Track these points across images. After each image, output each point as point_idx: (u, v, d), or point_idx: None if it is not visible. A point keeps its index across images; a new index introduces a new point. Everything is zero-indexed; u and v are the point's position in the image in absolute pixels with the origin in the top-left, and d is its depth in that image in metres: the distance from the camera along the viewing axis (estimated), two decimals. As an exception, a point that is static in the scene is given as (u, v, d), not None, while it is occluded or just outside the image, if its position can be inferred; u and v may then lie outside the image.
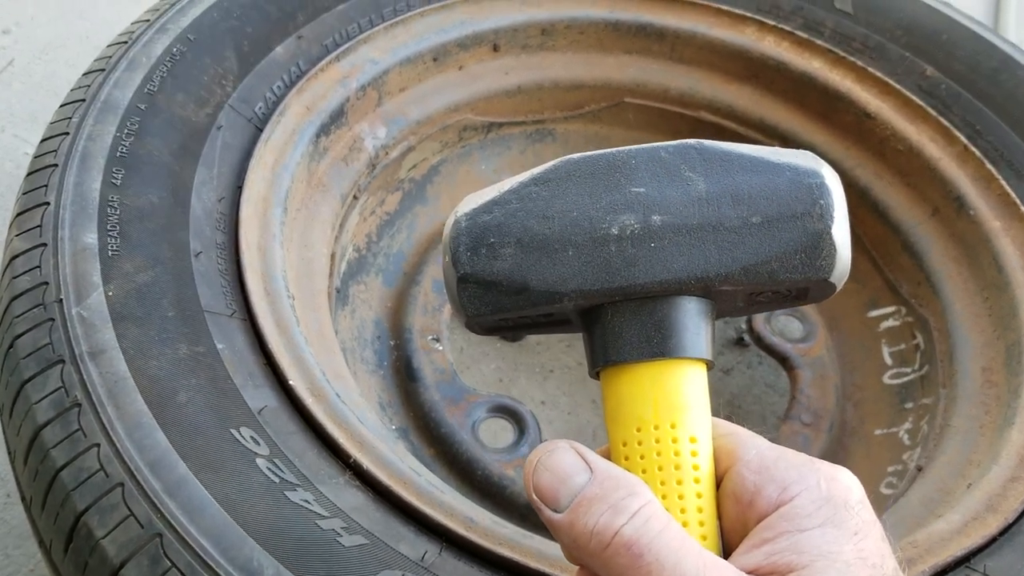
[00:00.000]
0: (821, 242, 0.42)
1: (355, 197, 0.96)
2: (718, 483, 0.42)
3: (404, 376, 0.92)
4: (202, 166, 0.80)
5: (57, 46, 1.40)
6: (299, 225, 0.87)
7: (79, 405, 0.60)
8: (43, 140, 0.77)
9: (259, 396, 0.67)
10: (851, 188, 1.06)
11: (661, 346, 0.43)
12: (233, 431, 0.62)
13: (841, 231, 0.42)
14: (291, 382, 0.68)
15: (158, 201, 0.75)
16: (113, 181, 0.73)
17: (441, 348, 0.94)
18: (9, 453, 0.66)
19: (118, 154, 0.75)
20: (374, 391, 0.92)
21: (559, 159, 0.46)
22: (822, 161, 0.44)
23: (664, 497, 0.41)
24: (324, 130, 0.92)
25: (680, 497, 0.42)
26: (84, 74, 0.83)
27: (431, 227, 1.07)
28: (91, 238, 0.69)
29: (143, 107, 0.79)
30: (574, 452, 0.40)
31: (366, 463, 0.65)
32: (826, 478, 0.39)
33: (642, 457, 0.43)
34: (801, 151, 0.45)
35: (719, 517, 0.42)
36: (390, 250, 1.03)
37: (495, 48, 1.09)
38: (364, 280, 0.99)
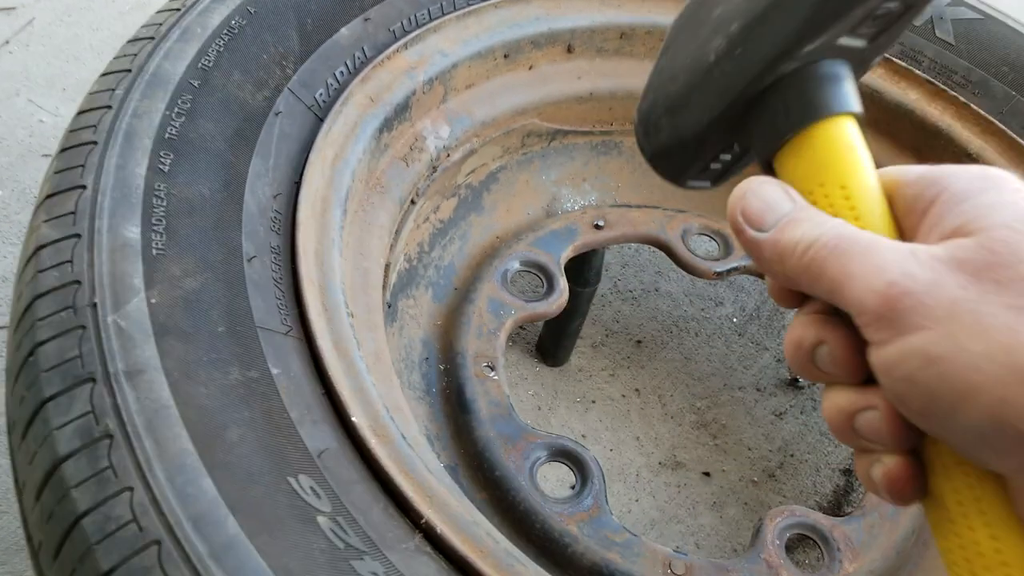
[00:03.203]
0: None
1: (412, 202, 0.87)
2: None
3: (455, 406, 0.83)
4: (258, 156, 0.70)
5: (82, 8, 1.29)
6: (356, 230, 0.77)
7: (110, 436, 0.51)
8: (80, 112, 0.67)
9: (318, 435, 0.57)
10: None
11: (797, 118, 0.47)
12: (291, 479, 0.53)
13: None
14: (353, 419, 0.59)
15: (209, 194, 0.65)
16: (160, 167, 0.63)
17: (496, 377, 0.84)
18: (16, 482, 0.56)
19: (167, 136, 0.65)
20: (421, 421, 0.82)
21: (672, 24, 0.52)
22: None
23: None
24: (387, 125, 0.82)
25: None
26: (129, 41, 0.73)
27: (485, 239, 0.98)
28: (133, 232, 0.59)
29: (196, 84, 0.69)
30: (781, 187, 0.46)
31: (439, 525, 0.55)
32: (975, 167, 0.43)
33: None
34: None
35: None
36: (441, 262, 0.94)
37: (569, 49, 0.99)
38: (413, 294, 0.90)
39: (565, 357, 1.17)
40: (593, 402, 1.15)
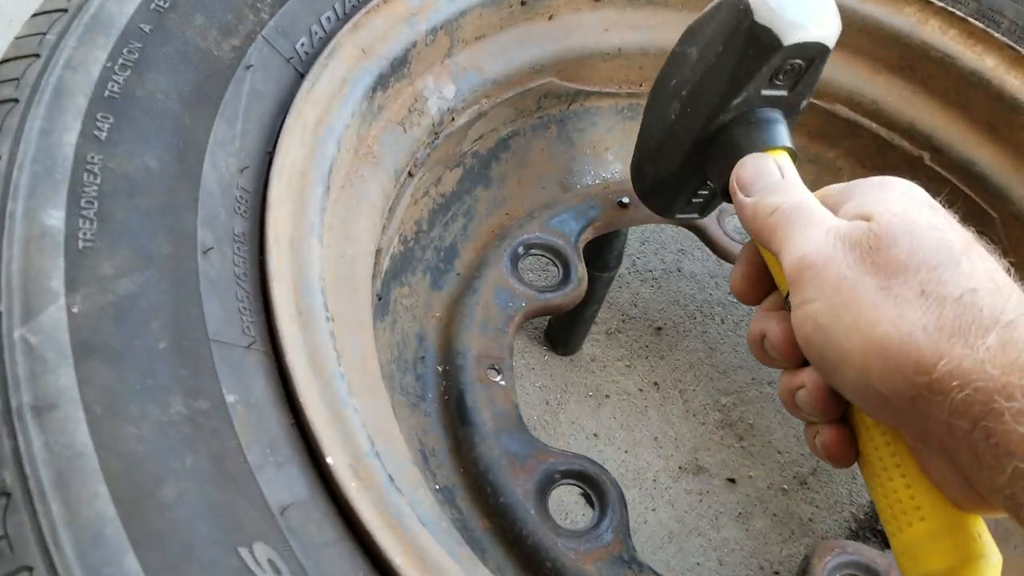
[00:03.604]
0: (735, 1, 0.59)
1: (410, 174, 0.74)
2: None
3: (454, 416, 0.71)
4: (222, 119, 0.57)
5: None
6: (341, 210, 0.65)
7: (6, 495, 0.39)
8: (1, 62, 0.54)
9: (283, 483, 0.46)
10: (1022, 223, 0.86)
11: (739, 155, 0.60)
12: (243, 551, 0.41)
13: None
14: (329, 459, 0.47)
15: (158, 167, 0.52)
16: (96, 133, 0.51)
17: (504, 383, 0.73)
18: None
19: (107, 93, 0.52)
20: (414, 434, 0.70)
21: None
22: None
23: None
24: (382, 82, 0.69)
25: None
26: (66, -29, 0.59)
27: (493, 216, 0.85)
28: (55, 217, 0.47)
29: (148, 29, 0.56)
30: (775, 162, 0.58)
31: (434, 601, 0.44)
32: (879, 177, 0.53)
33: None
34: None
35: None
36: (442, 243, 0.81)
37: (597, -4, 0.86)
38: (409, 280, 0.77)
39: (577, 345, 1.06)
40: (607, 396, 1.04)
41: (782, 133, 0.62)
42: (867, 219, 0.48)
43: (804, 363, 0.51)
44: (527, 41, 0.82)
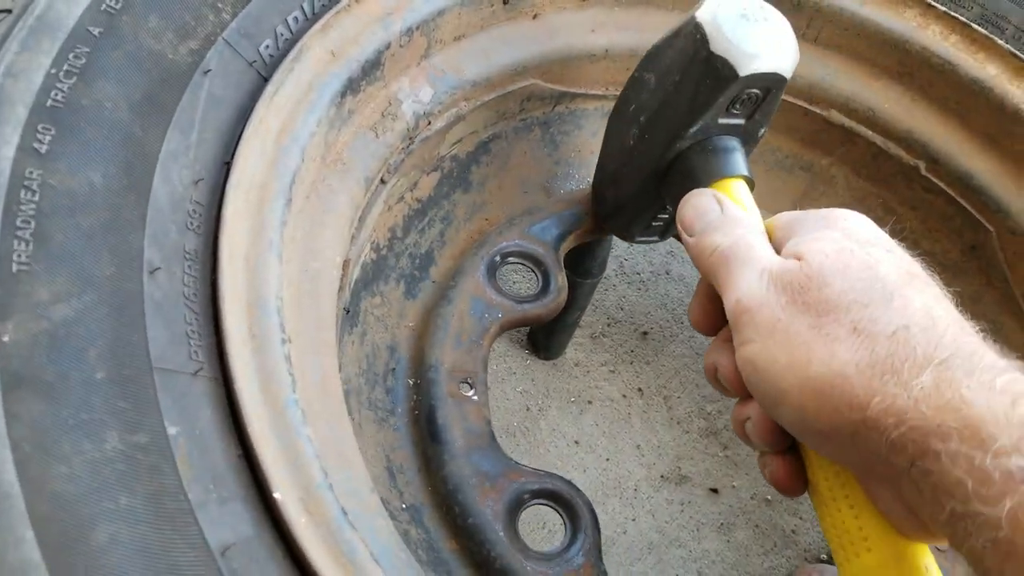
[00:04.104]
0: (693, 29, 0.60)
1: (382, 181, 0.71)
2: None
3: (424, 432, 0.69)
4: (175, 129, 0.54)
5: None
6: (304, 222, 0.62)
7: (-75, 542, 0.37)
8: (-63, 66, 0.51)
9: (226, 521, 0.43)
10: (1018, 238, 0.83)
11: (695, 182, 0.61)
12: (177, 600, 0.39)
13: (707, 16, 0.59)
14: (276, 495, 0.45)
15: (102, 182, 0.50)
16: (36, 146, 0.48)
17: (476, 398, 0.70)
18: None
19: (49, 103, 0.50)
20: (381, 450, 0.68)
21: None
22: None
23: None
24: (352, 86, 0.66)
25: None
26: (16, -31, 0.57)
27: (472, 222, 0.83)
28: (-12, 238, 0.44)
29: (97, 32, 0.54)
30: (713, 196, 0.58)
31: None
32: (824, 210, 0.53)
33: None
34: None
35: None
36: (417, 249, 0.79)
37: (583, -5, 0.83)
38: (381, 290, 0.75)
39: (560, 350, 1.03)
40: (589, 403, 1.02)
41: (738, 161, 0.62)
42: (799, 259, 0.48)
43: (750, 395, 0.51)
44: (509, 42, 0.79)
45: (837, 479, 0.48)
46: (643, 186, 0.67)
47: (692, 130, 0.61)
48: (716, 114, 0.61)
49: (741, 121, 0.63)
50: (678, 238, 0.64)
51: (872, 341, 0.43)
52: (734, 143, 0.63)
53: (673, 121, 0.62)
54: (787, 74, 0.60)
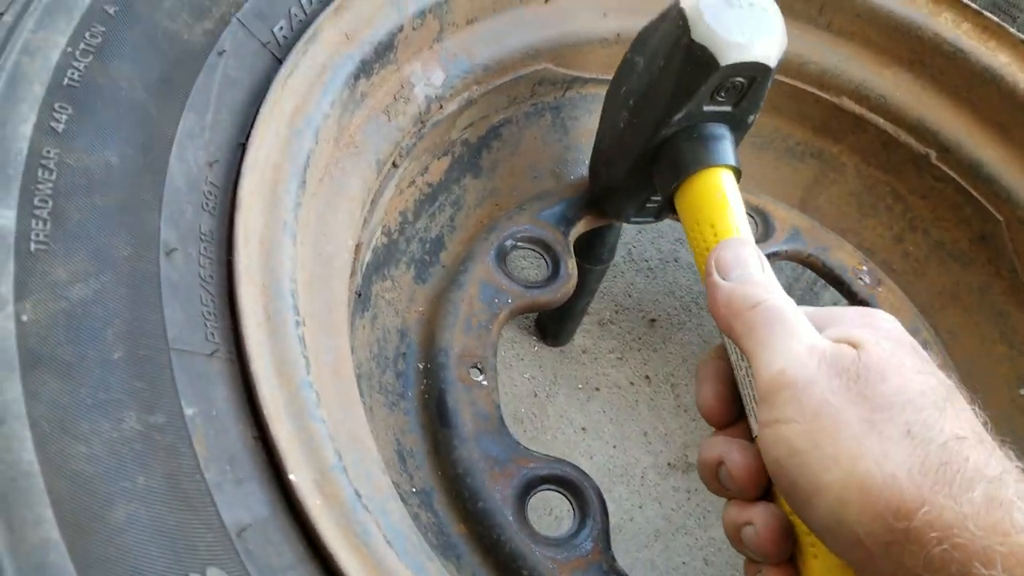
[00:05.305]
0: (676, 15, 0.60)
1: (395, 164, 0.71)
2: None
3: (434, 416, 0.69)
4: (191, 110, 0.54)
5: None
6: (318, 204, 0.62)
7: (-55, 519, 0.37)
8: (-49, 44, 0.51)
9: (242, 501, 0.44)
10: (1028, 228, 0.83)
11: (680, 170, 0.62)
12: (196, 578, 0.39)
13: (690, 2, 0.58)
14: (292, 476, 0.45)
15: (119, 162, 0.49)
16: (54, 125, 0.48)
17: (486, 383, 0.70)
18: None
19: (66, 82, 0.50)
20: (392, 433, 0.68)
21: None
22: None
23: None
24: (365, 69, 0.66)
25: None
26: (30, -53, 0.56)
27: (482, 207, 0.83)
28: (5, 217, 0.44)
29: (112, 11, 0.53)
30: (756, 252, 0.54)
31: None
32: (865, 309, 0.52)
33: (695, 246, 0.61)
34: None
35: None
36: (428, 234, 0.79)
37: (596, -21, 0.82)
38: (392, 274, 0.75)
39: (568, 337, 1.03)
40: (597, 389, 1.02)
41: (726, 150, 0.62)
42: (855, 346, 0.45)
43: (759, 497, 0.48)
44: (522, 25, 0.79)
45: None
46: (633, 170, 0.67)
47: (677, 117, 0.61)
48: (701, 101, 0.61)
49: (728, 108, 0.62)
50: (674, 211, 0.64)
51: (925, 447, 0.40)
52: (722, 130, 0.62)
53: (658, 107, 0.62)
54: (772, 63, 0.59)
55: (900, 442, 0.41)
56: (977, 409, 0.45)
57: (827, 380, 0.44)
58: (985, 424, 0.44)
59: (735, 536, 0.49)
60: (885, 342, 0.46)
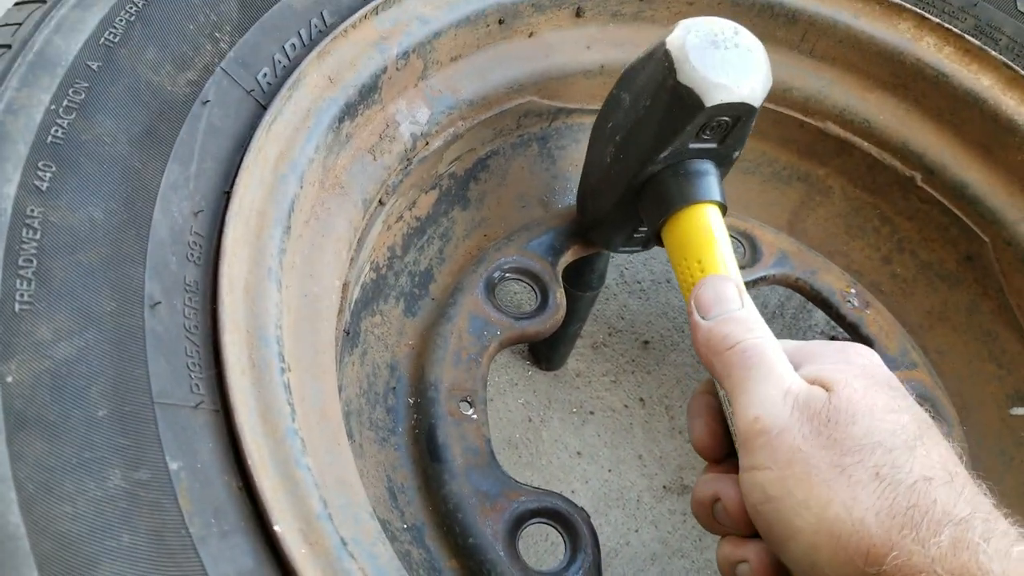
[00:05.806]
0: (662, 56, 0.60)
1: (381, 203, 0.72)
2: None
3: (424, 451, 0.70)
4: (175, 161, 0.55)
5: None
6: (304, 247, 0.63)
7: (-67, 584, 0.38)
8: (-63, 104, 0.52)
9: (227, 554, 0.44)
10: (1013, 248, 0.83)
11: (667, 206, 0.63)
12: (180, 637, 0.40)
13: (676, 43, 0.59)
14: (276, 528, 0.46)
15: (103, 217, 0.50)
16: (38, 183, 0.49)
17: (476, 416, 0.71)
18: None
19: (49, 139, 0.51)
20: (382, 469, 0.69)
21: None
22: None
23: None
24: (350, 111, 0.67)
25: None
26: (16, 4, 0.58)
27: (471, 238, 0.83)
28: (-9, 278, 0.45)
29: (95, 66, 0.54)
30: (737, 288, 0.55)
31: None
32: (837, 343, 0.53)
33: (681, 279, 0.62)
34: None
35: None
36: (416, 267, 0.79)
37: (578, 13, 0.83)
38: (381, 308, 0.76)
39: (561, 361, 1.04)
40: (591, 413, 1.02)
41: (711, 186, 0.62)
42: (827, 388, 0.46)
43: (754, 534, 0.49)
44: (505, 60, 0.80)
45: None
46: (619, 203, 0.68)
47: (663, 155, 0.62)
48: (686, 140, 0.61)
49: (713, 145, 0.63)
50: (661, 244, 0.66)
51: (894, 490, 0.41)
52: (707, 166, 0.63)
53: (644, 144, 0.63)
54: (756, 103, 0.60)
55: (868, 485, 0.42)
56: (953, 441, 0.46)
57: (799, 426, 0.45)
58: (961, 457, 0.45)
59: (729, 573, 0.50)
60: (857, 381, 0.47)
